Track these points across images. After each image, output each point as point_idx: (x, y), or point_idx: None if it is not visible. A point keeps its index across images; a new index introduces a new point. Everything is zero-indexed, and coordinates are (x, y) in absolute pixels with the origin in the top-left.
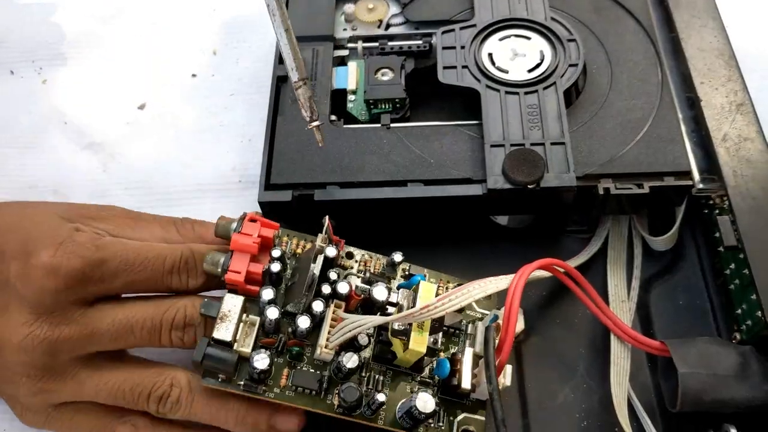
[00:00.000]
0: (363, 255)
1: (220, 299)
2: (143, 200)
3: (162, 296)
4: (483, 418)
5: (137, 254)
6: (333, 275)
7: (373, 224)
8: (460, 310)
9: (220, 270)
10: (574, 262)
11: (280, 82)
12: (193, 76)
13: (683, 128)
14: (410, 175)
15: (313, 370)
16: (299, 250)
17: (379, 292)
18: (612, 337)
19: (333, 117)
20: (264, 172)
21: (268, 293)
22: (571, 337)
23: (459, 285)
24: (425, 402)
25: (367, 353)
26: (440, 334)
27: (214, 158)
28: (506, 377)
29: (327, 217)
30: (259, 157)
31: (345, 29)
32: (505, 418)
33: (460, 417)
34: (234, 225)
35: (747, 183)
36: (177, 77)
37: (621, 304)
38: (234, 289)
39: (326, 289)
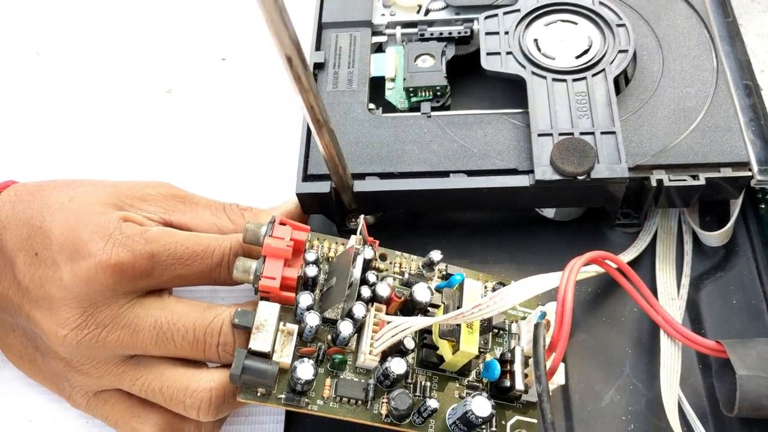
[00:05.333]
0: (397, 256)
1: (254, 306)
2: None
3: (206, 304)
4: (535, 421)
5: (186, 248)
6: (372, 277)
7: (414, 215)
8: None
9: (252, 277)
10: (623, 258)
11: (317, 68)
12: (223, 60)
13: (740, 117)
14: (452, 165)
15: (357, 379)
16: (331, 254)
17: (422, 293)
18: (662, 335)
19: (371, 105)
20: (302, 163)
21: (306, 299)
22: (617, 335)
23: (499, 283)
24: (482, 406)
25: (411, 359)
26: (490, 335)
27: (245, 146)
28: (560, 376)
29: (362, 216)
30: (292, 147)
31: (383, 14)
32: (554, 421)
33: (512, 420)
34: (264, 229)
35: None
36: (205, 61)
37: (671, 301)
38: (266, 297)
39: (366, 292)
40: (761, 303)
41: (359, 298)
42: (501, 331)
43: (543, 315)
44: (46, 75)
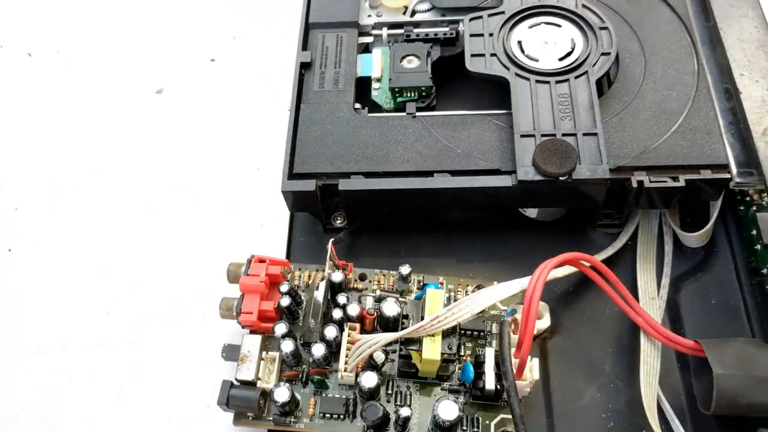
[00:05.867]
0: (376, 274)
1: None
2: (160, 188)
3: None
4: None
5: None
6: (342, 299)
7: (400, 216)
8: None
9: (234, 313)
10: (599, 257)
11: (304, 68)
12: (212, 60)
13: (720, 120)
14: (436, 165)
15: (339, 395)
16: (311, 282)
17: (389, 308)
18: (642, 335)
19: (357, 105)
20: (287, 161)
21: (281, 328)
22: (598, 335)
23: (478, 286)
24: (448, 409)
25: (394, 370)
26: (455, 339)
27: (234, 145)
28: (533, 372)
29: (331, 241)
30: (280, 146)
31: (370, 15)
32: (523, 415)
33: (496, 419)
34: (243, 269)
35: None
36: (195, 61)
37: (651, 301)
38: (254, 330)
39: (337, 313)
40: (739, 303)
41: (331, 320)
42: (481, 333)
43: (513, 312)
44: (37, 76)
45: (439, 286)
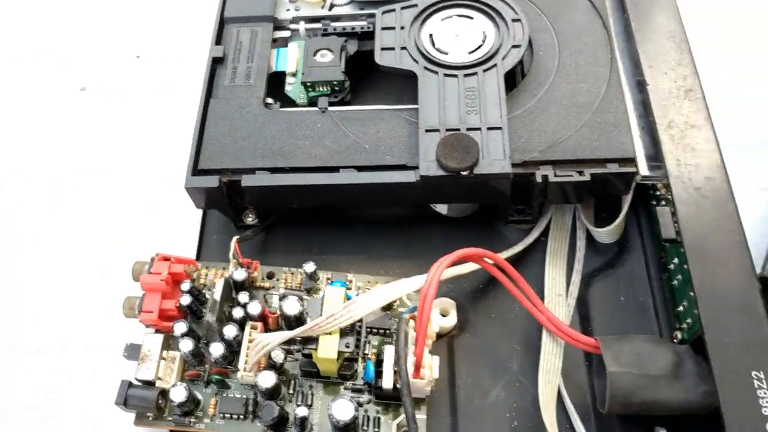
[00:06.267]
0: (284, 272)
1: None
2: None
3: None
4: (424, 416)
5: None
6: (243, 297)
7: (314, 213)
8: (387, 308)
9: (137, 312)
10: (506, 254)
11: (216, 63)
12: (137, 57)
13: (632, 114)
14: (343, 160)
15: (240, 395)
16: (217, 280)
17: (289, 306)
18: (544, 332)
19: (269, 100)
20: (192, 157)
21: (180, 327)
22: (506, 332)
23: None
24: (342, 409)
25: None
26: (352, 337)
27: (160, 142)
28: (433, 370)
29: (234, 239)
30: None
31: (288, 9)
32: (414, 414)
33: (399, 419)
34: (147, 267)
35: (690, 172)
36: (120, 58)
37: (557, 298)
38: (158, 329)
39: (238, 312)
40: (648, 299)
41: (231, 319)
42: (388, 331)
43: (413, 309)
44: None
45: (346, 283)
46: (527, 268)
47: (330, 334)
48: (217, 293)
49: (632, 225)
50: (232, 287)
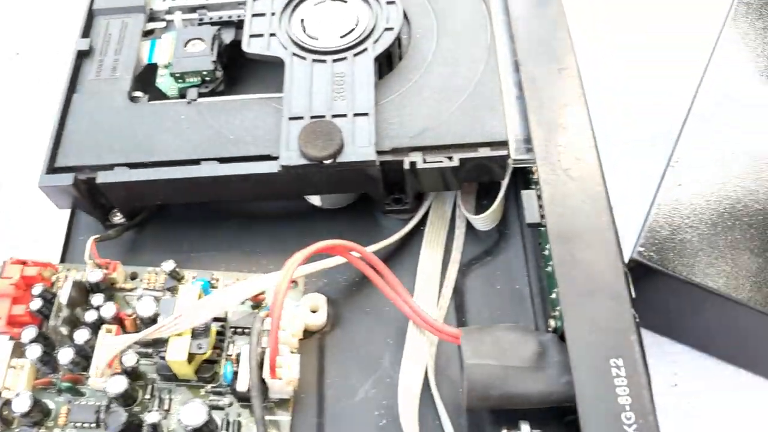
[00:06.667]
0: (148, 272)
1: None
2: None
3: None
4: (288, 418)
5: None
6: (98, 300)
7: (184, 208)
8: (256, 306)
9: None
10: (377, 246)
11: (82, 57)
12: (17, 54)
13: (511, 95)
14: (205, 153)
15: (93, 402)
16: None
17: (144, 307)
18: (409, 324)
19: (138, 93)
20: (49, 155)
21: (28, 333)
22: (379, 326)
23: None
24: (191, 413)
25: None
26: (205, 338)
27: (40, 142)
28: (292, 369)
29: (92, 239)
30: None
31: (164, 0)
32: (264, 416)
33: None
34: None
35: (559, 153)
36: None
37: (430, 288)
38: (11, 336)
39: (91, 316)
40: (525, 288)
41: (83, 322)
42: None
43: (265, 309)
44: None
45: (211, 282)
46: (404, 259)
47: (181, 335)
48: (63, 296)
49: (512, 211)
50: (88, 290)
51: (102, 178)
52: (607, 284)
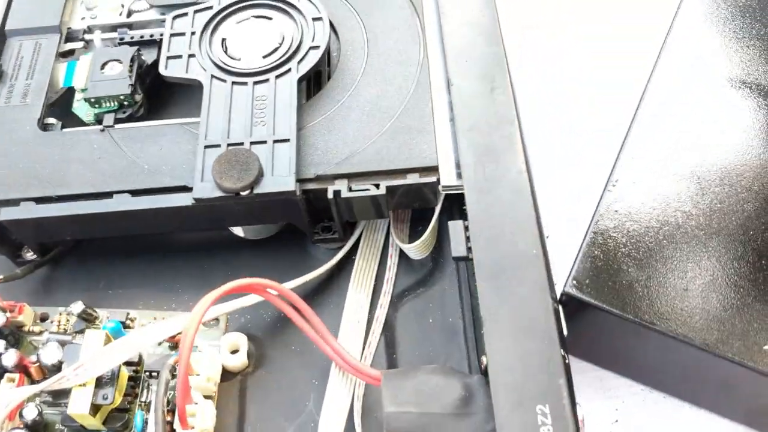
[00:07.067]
0: (60, 313)
1: None
2: None
3: None
4: None
5: None
6: None
7: (96, 240)
8: (174, 347)
9: None
10: (297, 282)
11: None
12: None
13: (443, 116)
14: (118, 184)
15: None
16: None
17: (47, 354)
18: (332, 365)
19: (52, 120)
20: None
21: None
22: (304, 366)
23: None
24: None
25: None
26: (112, 388)
27: None
28: (205, 417)
29: None
30: None
31: (83, 18)
32: None
33: None
34: None
35: (487, 179)
36: None
37: (356, 325)
38: None
39: None
40: (458, 320)
41: None
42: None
43: (174, 355)
44: None
45: (125, 322)
46: (332, 291)
47: (85, 384)
48: None
49: (447, 239)
50: None
51: (5, 214)
52: (536, 324)
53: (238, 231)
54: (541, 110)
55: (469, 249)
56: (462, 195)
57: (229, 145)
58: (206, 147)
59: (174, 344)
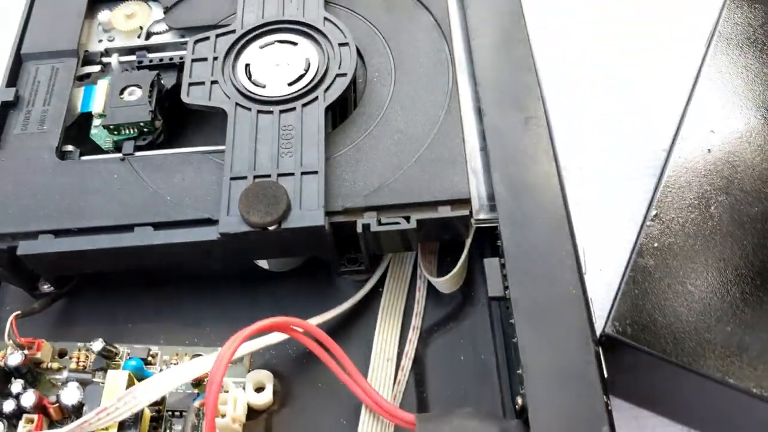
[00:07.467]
0: (78, 349)
1: None
2: None
3: None
4: None
5: None
6: (17, 387)
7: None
8: (197, 384)
9: None
10: (322, 318)
11: (7, 108)
12: None
13: (474, 146)
14: (139, 217)
15: None
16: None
17: (68, 395)
18: (363, 408)
19: (70, 148)
20: None
21: None
22: (332, 404)
23: (196, 357)
24: None
25: None
26: (133, 430)
27: None
28: None
29: (13, 315)
30: None
31: (101, 40)
32: None
33: None
34: None
35: (524, 216)
36: None
37: (386, 363)
38: None
39: (9, 405)
40: (491, 357)
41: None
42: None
43: (201, 396)
44: None
45: (146, 359)
46: (360, 324)
47: (107, 429)
48: None
49: (478, 270)
50: (10, 373)
51: (23, 249)
52: (578, 368)
53: (262, 263)
54: (543, 93)
55: (506, 288)
56: (492, 228)
57: (255, 177)
58: (232, 179)
59: (197, 382)
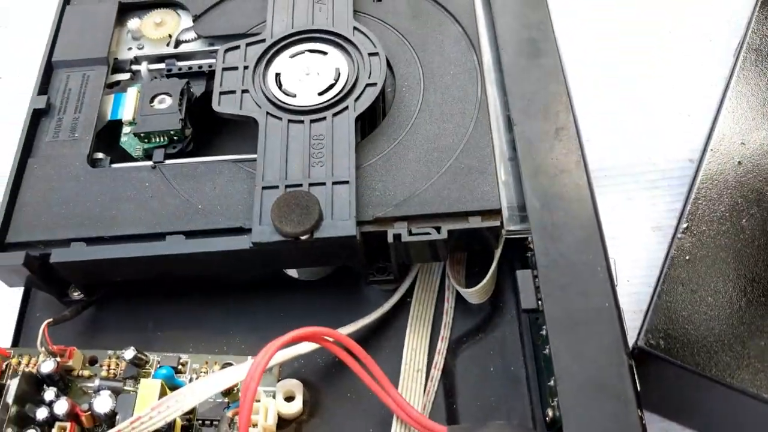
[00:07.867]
0: (109, 357)
1: None
2: None
3: None
4: None
5: None
6: (50, 395)
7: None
8: (227, 393)
9: None
10: (352, 327)
11: (39, 116)
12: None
13: (502, 156)
14: (170, 225)
15: None
16: (32, 369)
17: (101, 404)
18: (394, 419)
19: (100, 155)
20: None
21: None
22: (361, 414)
23: (227, 365)
24: None
25: None
26: None
27: None
28: None
29: (45, 323)
30: None
31: (130, 48)
32: None
33: None
34: None
35: (557, 229)
36: None
37: (416, 374)
38: None
39: (42, 413)
40: (521, 369)
41: (33, 420)
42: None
43: (236, 405)
44: None
45: (177, 367)
46: (389, 334)
47: None
48: (10, 393)
49: (507, 281)
50: (42, 381)
51: (56, 256)
52: (612, 381)
53: (291, 272)
54: (573, 103)
55: (539, 300)
56: (522, 239)
57: (287, 186)
58: (264, 188)
59: (227, 391)
